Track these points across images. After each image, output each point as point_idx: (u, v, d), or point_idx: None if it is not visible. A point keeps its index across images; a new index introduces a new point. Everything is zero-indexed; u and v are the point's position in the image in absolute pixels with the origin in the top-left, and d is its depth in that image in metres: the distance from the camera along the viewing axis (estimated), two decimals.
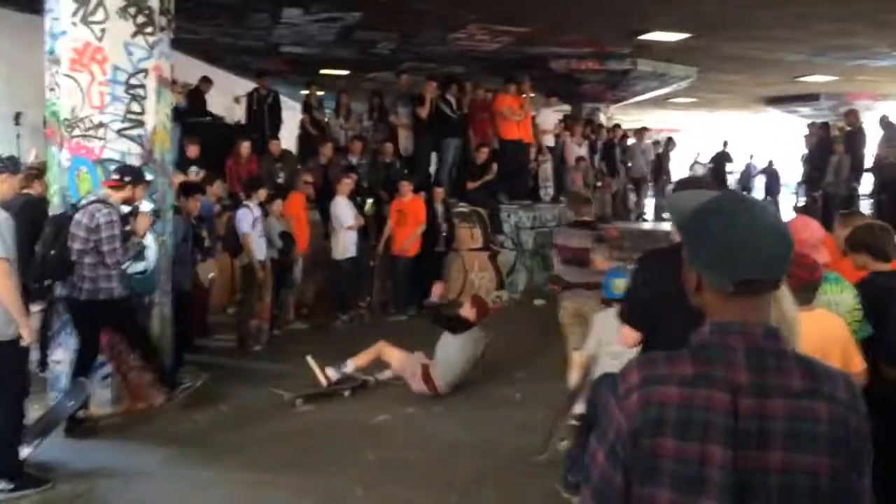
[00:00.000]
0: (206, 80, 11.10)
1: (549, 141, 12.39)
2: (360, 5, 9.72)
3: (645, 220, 15.53)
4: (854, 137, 11.44)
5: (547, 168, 12.23)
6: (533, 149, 11.83)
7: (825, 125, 12.33)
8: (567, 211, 8.58)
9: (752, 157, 19.54)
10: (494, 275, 10.40)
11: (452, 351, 6.12)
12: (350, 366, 6.13)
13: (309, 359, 6.14)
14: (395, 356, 6.15)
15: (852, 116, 11.72)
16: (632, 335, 2.82)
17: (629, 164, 14.57)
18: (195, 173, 8.34)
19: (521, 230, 11.04)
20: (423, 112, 10.56)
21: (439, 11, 9.77)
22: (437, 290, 7.33)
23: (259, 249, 7.40)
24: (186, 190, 6.70)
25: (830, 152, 11.40)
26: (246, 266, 7.43)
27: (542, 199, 11.93)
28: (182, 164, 8.76)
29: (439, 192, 9.82)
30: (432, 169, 11.26)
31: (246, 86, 13.19)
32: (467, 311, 6.35)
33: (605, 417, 1.35)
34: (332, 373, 6.08)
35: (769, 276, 1.34)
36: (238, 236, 7.31)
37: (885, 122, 11.31)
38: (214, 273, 7.17)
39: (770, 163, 18.71)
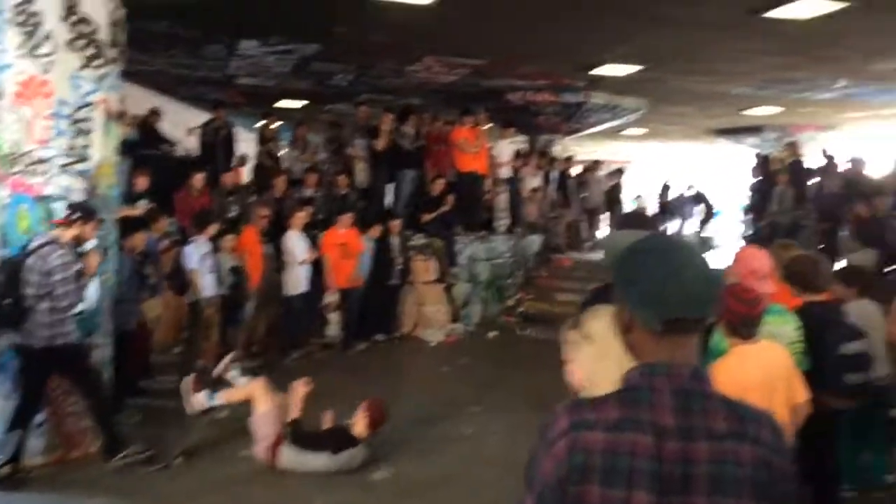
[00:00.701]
0: (154, 112, 10.98)
1: (505, 172, 12.50)
2: (317, 37, 9.75)
3: (597, 251, 15.72)
4: (796, 168, 11.78)
5: (502, 199, 12.31)
6: (488, 180, 11.93)
7: (767, 157, 12.70)
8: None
9: (690, 187, 19.93)
10: (449, 307, 10.38)
11: (313, 464, 5.21)
12: (219, 399, 5.54)
13: (185, 380, 5.65)
14: (262, 405, 5.26)
15: (794, 148, 12.12)
16: (578, 373, 2.79)
17: (584, 195, 14.76)
18: (143, 207, 8.19)
19: (476, 262, 11.07)
20: (380, 144, 10.56)
21: (396, 44, 9.85)
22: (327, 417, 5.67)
23: (207, 286, 7.27)
24: (128, 225, 6.56)
25: (774, 183, 11.72)
26: (193, 303, 7.28)
27: (497, 231, 11.99)
28: (130, 197, 8.61)
29: (395, 224, 9.80)
30: (388, 201, 11.27)
31: (200, 117, 13.08)
32: (358, 424, 5.30)
33: (534, 464, 1.33)
34: (203, 399, 5.51)
35: (697, 315, 1.35)
36: (185, 273, 7.17)
37: (826, 153, 11.69)
38: (160, 311, 7.01)
39: (690, 187, 18.77)
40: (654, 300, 1.33)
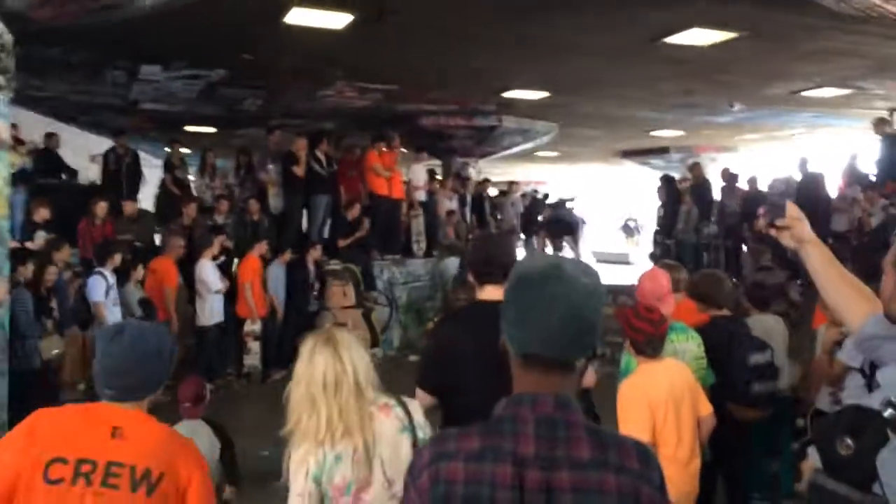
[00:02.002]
0: (50, 136, 10.47)
1: (420, 196, 12.56)
2: (223, 63, 9.58)
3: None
4: (700, 188, 12.29)
5: (419, 223, 12.34)
6: (404, 204, 11.95)
7: (672, 178, 13.24)
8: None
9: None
10: (368, 333, 10.27)
11: None
12: None
13: None
14: None
15: (696, 169, 12.63)
16: (424, 399, 2.73)
17: (500, 217, 14.97)
18: (43, 238, 7.82)
19: (394, 286, 11.03)
20: (300, 171, 10.37)
21: (307, 69, 9.78)
22: None
23: (113, 319, 6.96)
24: (26, 257, 6.25)
25: (680, 202, 12.18)
26: None
27: (414, 254, 12.00)
28: (28, 228, 8.22)
29: (315, 251, 9.69)
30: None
31: (103, 143, 12.62)
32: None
33: (406, 498, 1.36)
34: None
35: (553, 354, 1.31)
36: (89, 306, 6.85)
37: (726, 174, 12.25)
38: (60, 348, 6.64)
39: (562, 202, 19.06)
40: (514, 331, 1.33)
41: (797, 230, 1.94)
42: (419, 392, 2.72)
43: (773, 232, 1.97)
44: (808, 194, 9.84)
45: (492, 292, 2.69)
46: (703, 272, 4.49)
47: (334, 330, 2.44)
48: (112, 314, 6.94)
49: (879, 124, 10.19)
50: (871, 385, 3.40)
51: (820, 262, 1.93)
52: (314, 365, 2.28)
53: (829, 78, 10.23)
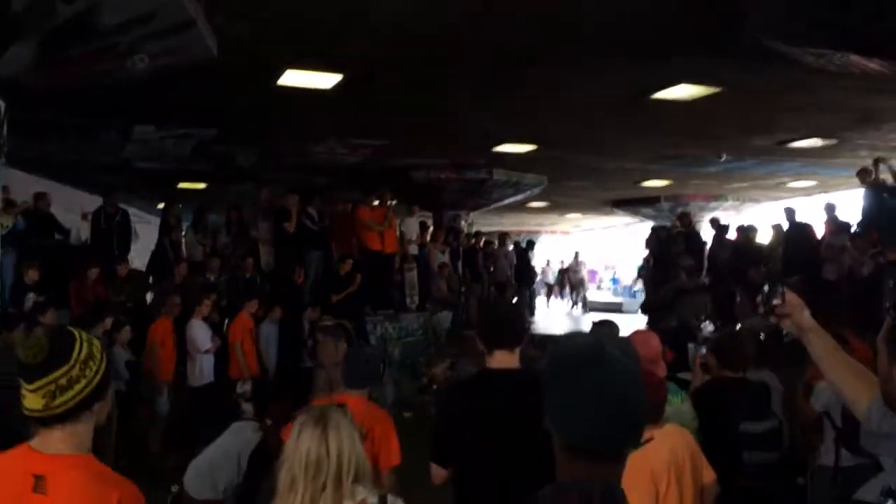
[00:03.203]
0: (40, 197, 10.38)
1: (413, 249, 12.56)
2: (215, 121, 9.65)
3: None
4: (690, 237, 12.34)
5: (412, 276, 12.31)
6: (397, 258, 11.93)
7: (664, 228, 13.29)
8: None
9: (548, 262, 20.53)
10: None
11: None
12: None
13: None
14: None
15: (686, 218, 12.70)
16: (439, 472, 2.67)
17: (492, 269, 14.94)
18: (32, 301, 7.74)
19: (387, 341, 10.94)
20: (291, 227, 10.39)
21: (295, 124, 9.86)
22: None
23: None
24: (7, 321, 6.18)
25: (671, 252, 12.20)
26: None
27: (408, 308, 11.93)
28: (18, 291, 8.14)
29: (314, 313, 9.64)
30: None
31: (96, 201, 12.62)
32: None
33: None
34: None
35: (602, 448, 1.25)
36: None
37: (716, 223, 12.32)
38: None
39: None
40: (560, 420, 1.27)
41: (797, 318, 1.93)
42: (433, 467, 2.67)
43: (772, 319, 1.95)
44: (798, 244, 9.88)
45: (502, 359, 2.66)
46: (731, 331, 4.45)
47: (331, 409, 2.39)
48: None
49: (862, 174, 10.31)
50: (843, 438, 3.53)
51: (823, 349, 1.92)
52: (300, 442, 2.24)
53: (813, 129, 10.39)
